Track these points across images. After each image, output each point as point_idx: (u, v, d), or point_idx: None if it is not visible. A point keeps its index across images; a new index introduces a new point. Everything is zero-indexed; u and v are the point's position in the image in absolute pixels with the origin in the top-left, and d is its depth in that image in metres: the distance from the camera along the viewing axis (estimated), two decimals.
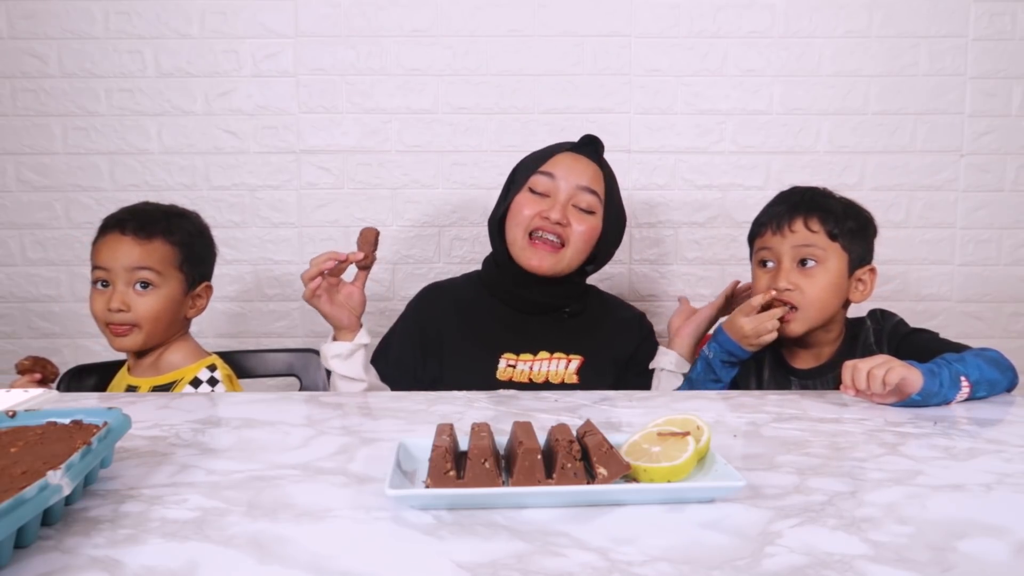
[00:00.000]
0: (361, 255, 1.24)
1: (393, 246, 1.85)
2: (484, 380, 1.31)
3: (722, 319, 1.40)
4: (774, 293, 1.24)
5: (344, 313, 1.25)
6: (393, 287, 1.87)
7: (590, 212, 1.34)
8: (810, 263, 1.24)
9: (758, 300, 1.24)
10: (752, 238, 1.35)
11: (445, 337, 1.38)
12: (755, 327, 1.22)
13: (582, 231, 1.33)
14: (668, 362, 1.38)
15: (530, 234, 1.33)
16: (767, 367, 1.36)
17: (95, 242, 1.33)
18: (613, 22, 1.82)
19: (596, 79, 1.83)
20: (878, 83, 1.84)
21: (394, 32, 1.81)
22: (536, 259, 1.33)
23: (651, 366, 1.41)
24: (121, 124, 1.83)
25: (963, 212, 1.88)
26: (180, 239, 1.33)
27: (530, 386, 1.33)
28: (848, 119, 1.85)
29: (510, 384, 1.33)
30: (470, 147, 1.84)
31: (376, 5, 1.81)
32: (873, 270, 1.30)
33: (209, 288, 1.40)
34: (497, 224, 1.40)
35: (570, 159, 1.36)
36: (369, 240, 1.25)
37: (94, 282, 1.31)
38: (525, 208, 1.33)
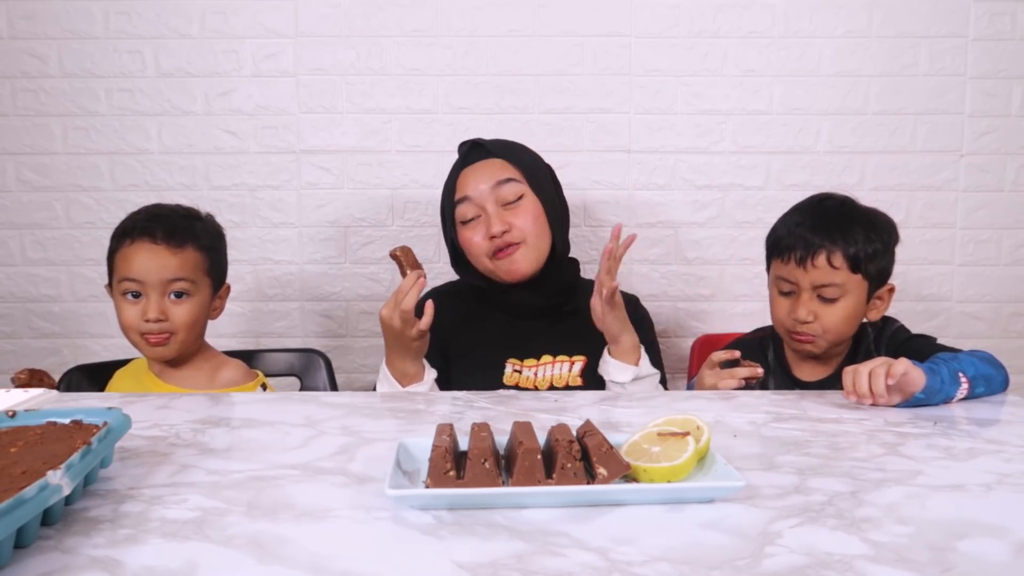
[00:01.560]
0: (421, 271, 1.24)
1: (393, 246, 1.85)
2: (491, 387, 1.31)
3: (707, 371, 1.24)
4: (738, 354, 1.20)
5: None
6: (393, 287, 1.87)
7: (519, 197, 1.36)
8: (831, 296, 1.24)
9: (720, 356, 1.19)
10: (771, 254, 1.32)
11: (451, 344, 1.39)
12: (715, 383, 1.19)
13: (527, 219, 1.35)
14: (625, 376, 1.27)
15: (492, 254, 1.35)
16: (772, 379, 1.35)
17: (119, 250, 1.29)
18: (613, 22, 1.82)
19: (596, 79, 1.83)
20: (878, 83, 1.84)
21: (394, 32, 1.81)
22: (511, 265, 1.35)
23: (601, 373, 1.31)
24: (121, 124, 1.82)
25: (963, 212, 1.88)
26: (206, 244, 1.33)
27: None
28: (848, 119, 1.84)
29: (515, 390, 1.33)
30: None
31: (376, 5, 1.81)
32: (891, 289, 1.31)
33: (228, 289, 1.41)
34: (460, 262, 1.43)
35: (470, 173, 1.38)
36: (413, 256, 1.26)
37: (123, 293, 1.28)
38: (474, 239, 1.37)
